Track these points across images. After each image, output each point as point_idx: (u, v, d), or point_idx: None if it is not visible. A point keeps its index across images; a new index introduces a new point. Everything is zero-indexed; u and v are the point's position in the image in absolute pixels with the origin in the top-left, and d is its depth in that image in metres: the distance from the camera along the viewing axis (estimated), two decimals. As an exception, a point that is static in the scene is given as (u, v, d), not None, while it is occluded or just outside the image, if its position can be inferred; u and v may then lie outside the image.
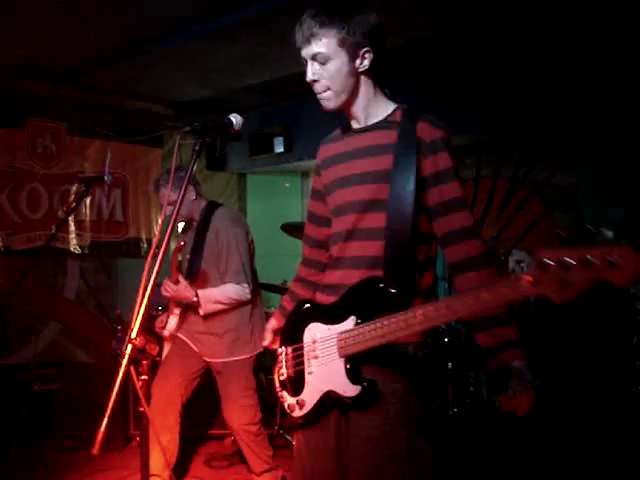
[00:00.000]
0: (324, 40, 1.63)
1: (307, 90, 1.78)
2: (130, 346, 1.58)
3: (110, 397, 1.51)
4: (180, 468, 3.54)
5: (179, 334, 3.24)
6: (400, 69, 4.82)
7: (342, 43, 1.63)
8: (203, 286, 3.14)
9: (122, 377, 1.53)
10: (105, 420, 1.49)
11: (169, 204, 2.94)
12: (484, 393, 4.13)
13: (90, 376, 4.20)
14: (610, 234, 4.15)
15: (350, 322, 1.63)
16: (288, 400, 1.80)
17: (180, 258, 3.34)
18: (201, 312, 3.09)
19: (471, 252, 1.63)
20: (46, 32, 4.01)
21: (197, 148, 1.84)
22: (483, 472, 3.41)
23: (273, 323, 2.09)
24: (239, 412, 3.18)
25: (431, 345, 3.98)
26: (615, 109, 4.15)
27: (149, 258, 1.69)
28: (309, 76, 1.69)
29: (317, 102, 1.76)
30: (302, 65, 1.73)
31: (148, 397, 1.69)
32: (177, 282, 3.06)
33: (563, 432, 3.62)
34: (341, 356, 1.63)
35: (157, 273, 1.65)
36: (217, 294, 3.09)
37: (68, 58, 4.54)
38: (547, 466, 3.34)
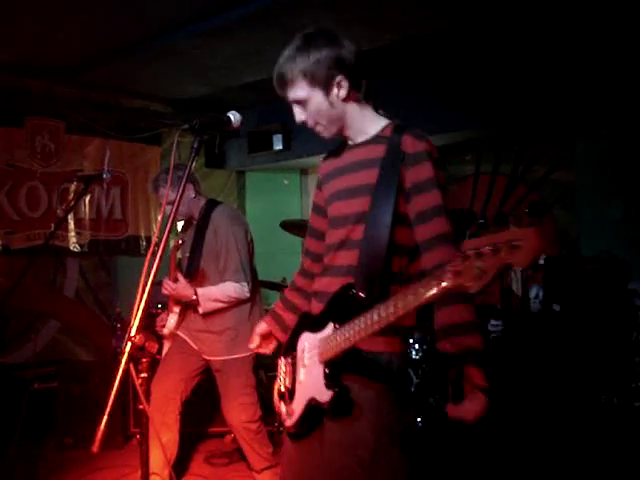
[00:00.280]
0: (296, 85, 1.72)
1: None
2: (129, 344, 1.58)
3: (110, 395, 1.51)
4: (180, 466, 3.55)
5: (179, 332, 3.24)
6: (399, 66, 4.82)
7: (311, 82, 1.70)
8: (202, 284, 3.14)
9: (122, 375, 1.53)
10: (105, 418, 1.50)
11: (168, 203, 2.89)
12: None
13: (90, 374, 4.20)
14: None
15: (329, 328, 1.68)
16: (283, 409, 1.86)
17: (180, 256, 3.34)
18: (200, 310, 3.09)
19: (446, 259, 1.62)
20: (44, 30, 4.00)
21: (196, 146, 1.84)
22: (483, 470, 3.42)
23: (263, 327, 2.11)
24: (239, 410, 3.18)
25: (408, 355, 3.82)
26: (614, 105, 4.15)
27: (148, 256, 1.69)
28: (297, 118, 1.78)
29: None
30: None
31: (148, 395, 1.69)
32: (176, 280, 3.06)
33: (563, 429, 3.63)
34: (320, 362, 1.67)
35: (156, 271, 1.65)
36: (216, 292, 3.09)
37: (66, 56, 4.53)
38: (546, 463, 3.35)
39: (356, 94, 1.76)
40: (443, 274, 1.28)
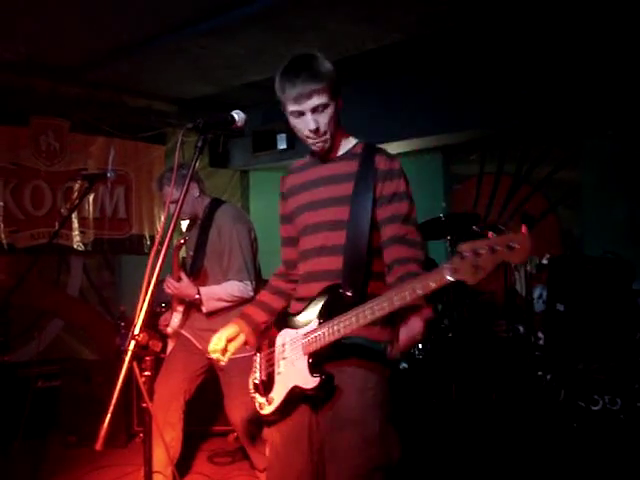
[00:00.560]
0: (323, 93, 1.84)
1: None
2: (133, 342, 1.58)
3: (113, 393, 1.51)
4: (183, 464, 3.55)
5: (182, 331, 3.24)
6: (403, 66, 4.81)
7: (333, 93, 1.86)
8: (206, 283, 3.13)
9: (125, 373, 1.53)
10: (108, 416, 1.49)
11: (172, 202, 2.88)
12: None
13: (93, 373, 4.22)
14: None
15: (314, 324, 1.85)
16: (258, 399, 2.05)
17: (184, 255, 3.34)
18: (203, 309, 3.08)
19: (401, 257, 1.85)
20: (48, 30, 4.02)
21: (200, 145, 1.84)
22: (483, 470, 3.41)
23: (231, 331, 2.18)
24: (242, 409, 3.17)
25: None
26: (620, 104, 4.14)
27: (152, 255, 1.69)
28: (312, 125, 1.85)
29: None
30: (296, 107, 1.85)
31: (151, 393, 1.69)
32: (179, 279, 3.06)
33: (564, 427, 3.62)
34: (305, 354, 1.84)
35: (160, 270, 1.66)
36: (219, 291, 3.08)
37: (71, 55, 4.55)
38: (547, 461, 3.34)
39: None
40: (442, 271, 1.49)
